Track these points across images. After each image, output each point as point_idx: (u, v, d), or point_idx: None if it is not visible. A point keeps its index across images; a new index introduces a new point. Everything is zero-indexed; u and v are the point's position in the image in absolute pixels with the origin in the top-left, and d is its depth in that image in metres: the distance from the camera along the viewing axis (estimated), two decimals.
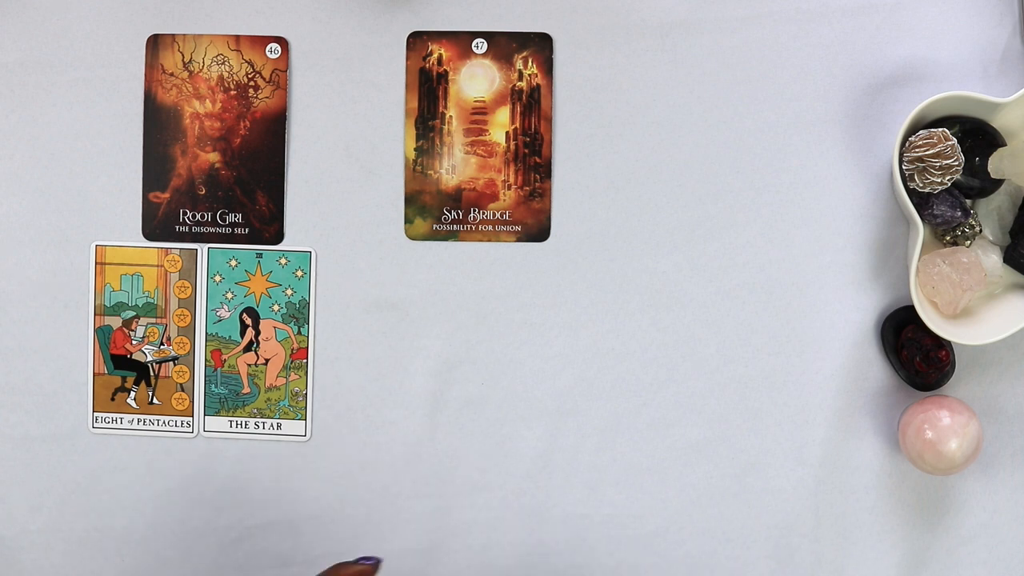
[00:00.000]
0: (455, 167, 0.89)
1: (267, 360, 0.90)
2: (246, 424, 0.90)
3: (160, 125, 0.90)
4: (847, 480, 0.89)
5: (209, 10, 0.89)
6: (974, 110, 0.84)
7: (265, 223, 0.90)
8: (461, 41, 0.89)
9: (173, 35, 0.90)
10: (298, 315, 0.90)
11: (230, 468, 0.90)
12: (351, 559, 0.78)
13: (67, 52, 0.90)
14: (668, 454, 0.89)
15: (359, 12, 0.89)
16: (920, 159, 0.83)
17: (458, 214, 0.89)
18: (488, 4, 0.89)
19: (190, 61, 0.90)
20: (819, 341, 0.89)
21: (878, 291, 0.89)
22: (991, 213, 0.87)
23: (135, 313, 0.90)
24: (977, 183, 0.85)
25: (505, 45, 0.89)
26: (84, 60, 0.90)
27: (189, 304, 0.90)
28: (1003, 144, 0.84)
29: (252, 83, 0.90)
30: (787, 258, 0.89)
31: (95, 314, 0.90)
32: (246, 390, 0.90)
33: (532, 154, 0.89)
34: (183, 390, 0.90)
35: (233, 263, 0.90)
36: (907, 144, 0.84)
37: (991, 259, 0.86)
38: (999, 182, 0.85)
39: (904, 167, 0.84)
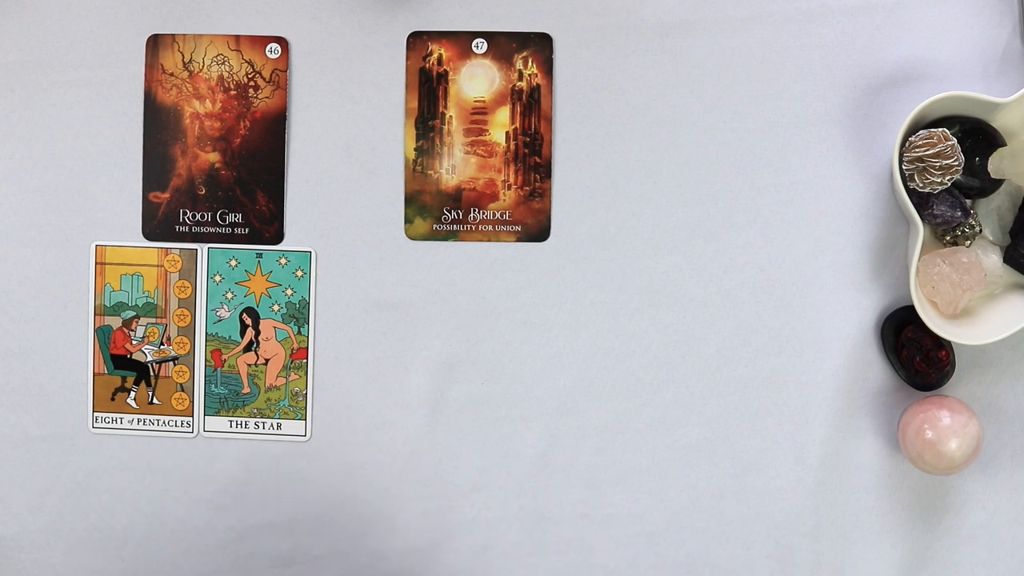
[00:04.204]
0: (455, 167, 0.89)
1: (267, 360, 0.90)
2: (246, 424, 0.90)
3: (160, 125, 0.90)
4: (847, 480, 0.89)
5: (209, 10, 0.89)
6: (974, 110, 0.84)
7: (265, 223, 0.90)
8: (461, 41, 0.89)
9: (173, 35, 0.90)
10: (298, 315, 0.90)
11: (230, 468, 0.90)
12: None
13: (67, 52, 0.90)
14: (668, 454, 0.89)
15: (359, 12, 0.90)
16: (920, 159, 0.83)
17: (458, 214, 0.89)
18: (488, 4, 0.89)
19: (190, 61, 0.90)
20: (819, 341, 0.89)
21: (878, 291, 0.89)
22: (991, 213, 0.87)
23: (135, 313, 0.90)
24: (977, 183, 0.85)
25: (505, 45, 0.89)
26: (84, 60, 0.90)
27: (189, 304, 0.90)
28: (1003, 144, 0.84)
29: (252, 83, 0.90)
30: (787, 258, 0.89)
31: (95, 314, 0.90)
32: (246, 390, 0.90)
33: (532, 154, 0.89)
34: (183, 390, 0.90)
35: (233, 263, 0.90)
36: (907, 144, 0.84)
37: (991, 259, 0.86)
38: (999, 182, 0.85)
39: (904, 167, 0.84)
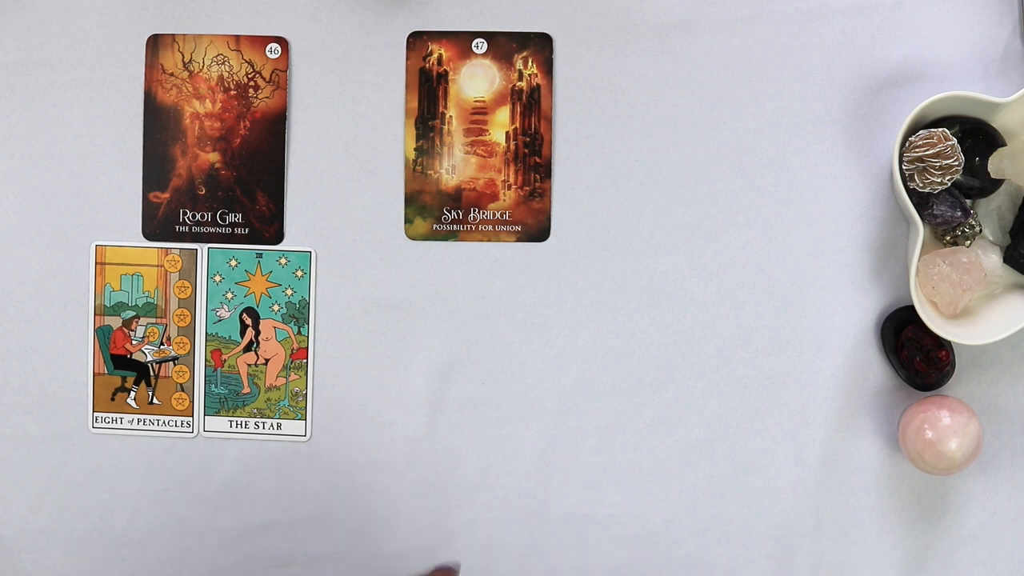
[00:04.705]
0: (455, 167, 0.89)
1: (267, 360, 0.90)
2: (246, 424, 0.90)
3: (160, 125, 0.90)
4: (847, 480, 0.89)
5: (209, 10, 0.89)
6: (974, 110, 0.84)
7: (265, 223, 0.90)
8: (461, 41, 0.89)
9: (173, 35, 0.90)
10: (298, 315, 0.90)
11: (230, 468, 0.90)
12: (427, 570, 0.79)
13: (67, 52, 0.90)
14: (668, 454, 0.89)
15: (359, 12, 0.90)
16: (920, 159, 0.83)
17: (458, 214, 0.89)
18: (488, 4, 0.89)
19: (190, 61, 0.90)
20: (819, 341, 0.89)
21: (878, 291, 0.89)
22: (991, 213, 0.87)
23: (135, 313, 0.90)
24: (977, 183, 0.85)
25: (505, 45, 0.89)
26: (84, 60, 0.90)
27: (189, 304, 0.90)
28: (1003, 144, 0.84)
29: (252, 83, 0.90)
30: (787, 258, 0.89)
31: (95, 314, 0.90)
32: (246, 390, 0.90)
33: (532, 154, 0.89)
34: (183, 390, 0.90)
35: (233, 263, 0.90)
36: (907, 144, 0.84)
37: (991, 259, 0.86)
38: (999, 182, 0.85)
39: (904, 167, 0.84)
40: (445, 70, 0.89)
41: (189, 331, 0.90)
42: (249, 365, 0.90)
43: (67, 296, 0.90)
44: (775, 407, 0.89)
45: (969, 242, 0.86)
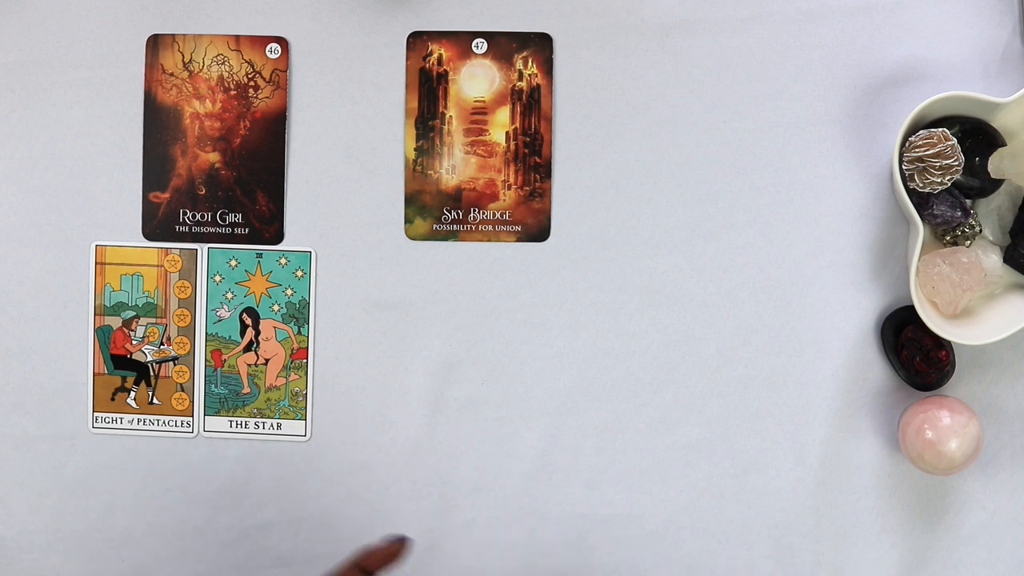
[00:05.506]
0: (455, 167, 0.89)
1: (267, 360, 0.90)
2: (246, 424, 0.90)
3: (160, 125, 0.90)
4: (847, 480, 0.89)
5: (209, 10, 0.89)
6: (974, 110, 0.84)
7: (265, 223, 0.90)
8: (461, 41, 0.89)
9: (173, 35, 0.90)
10: (298, 315, 0.90)
11: (230, 468, 0.90)
12: (378, 541, 0.78)
13: (67, 52, 0.90)
14: (668, 454, 0.89)
15: (359, 12, 0.90)
16: (920, 159, 0.83)
17: (458, 214, 0.89)
18: (488, 4, 0.89)
19: (190, 61, 0.90)
20: (819, 341, 0.89)
21: (878, 291, 0.89)
22: (991, 213, 0.87)
23: (135, 313, 0.90)
24: (977, 183, 0.85)
25: (505, 45, 0.89)
26: (84, 60, 0.90)
27: (189, 304, 0.90)
28: (1003, 144, 0.84)
29: (252, 83, 0.90)
30: (787, 258, 0.89)
31: (95, 314, 0.90)
32: (246, 390, 0.90)
33: (532, 154, 0.89)
34: (183, 390, 0.90)
35: (233, 263, 0.90)
36: (907, 144, 0.84)
37: (991, 259, 0.86)
38: (999, 182, 0.85)
39: (904, 167, 0.84)
40: (445, 70, 0.89)
41: (189, 331, 0.90)
42: (249, 365, 0.90)
43: (67, 296, 0.90)
44: (775, 407, 0.89)
45: (969, 242, 0.86)
